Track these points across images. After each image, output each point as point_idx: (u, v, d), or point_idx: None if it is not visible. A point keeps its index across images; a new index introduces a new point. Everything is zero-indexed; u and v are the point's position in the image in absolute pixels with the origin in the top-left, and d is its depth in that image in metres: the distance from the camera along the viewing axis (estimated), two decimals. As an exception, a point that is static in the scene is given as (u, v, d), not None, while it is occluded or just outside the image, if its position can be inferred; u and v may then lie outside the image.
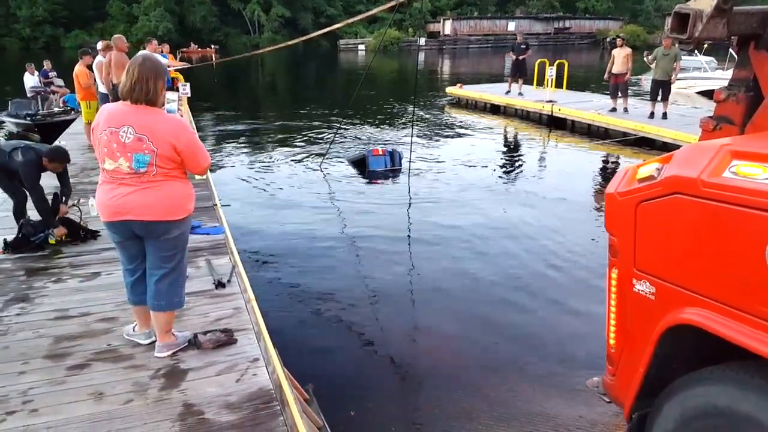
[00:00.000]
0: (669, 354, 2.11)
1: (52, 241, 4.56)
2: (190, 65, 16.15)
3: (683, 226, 1.95)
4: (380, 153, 9.91)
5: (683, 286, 1.98)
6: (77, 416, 2.58)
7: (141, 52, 3.40)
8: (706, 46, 19.47)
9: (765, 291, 1.70)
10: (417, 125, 11.64)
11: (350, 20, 11.85)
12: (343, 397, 3.83)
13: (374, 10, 9.42)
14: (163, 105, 2.97)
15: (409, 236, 6.94)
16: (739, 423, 1.83)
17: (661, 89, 11.84)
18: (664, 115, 11.97)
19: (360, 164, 9.97)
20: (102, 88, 8.58)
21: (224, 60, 28.13)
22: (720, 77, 17.64)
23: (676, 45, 11.06)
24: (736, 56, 2.60)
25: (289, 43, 9.58)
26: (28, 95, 13.54)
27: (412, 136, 9.89)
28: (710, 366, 2.01)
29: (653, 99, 12.08)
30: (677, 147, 2.28)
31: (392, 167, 9.83)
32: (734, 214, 1.77)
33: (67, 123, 11.55)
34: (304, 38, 9.72)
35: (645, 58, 12.20)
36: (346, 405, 3.73)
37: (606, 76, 12.85)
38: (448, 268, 5.96)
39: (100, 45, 9.28)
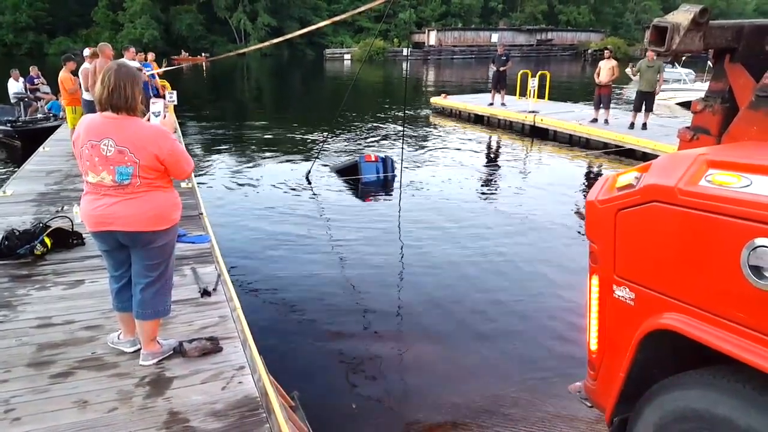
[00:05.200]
0: (649, 359, 2.15)
1: (37, 252, 4.51)
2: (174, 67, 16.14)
3: (661, 234, 2.00)
4: (372, 159, 9.78)
5: (662, 292, 2.03)
6: (61, 425, 2.55)
7: (116, 60, 3.34)
8: (684, 58, 19.90)
9: (740, 296, 1.75)
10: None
11: (336, 18, 12.62)
12: (329, 405, 3.84)
13: (361, 8, 9.54)
14: (144, 114, 2.94)
15: (398, 245, 6.96)
16: (716, 426, 1.87)
17: (646, 100, 12.04)
18: (644, 126, 12.17)
19: (350, 171, 9.85)
20: (86, 95, 8.51)
21: (216, 58, 28.92)
22: (699, 89, 18.03)
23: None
24: (714, 68, 2.68)
25: (275, 41, 9.67)
26: (12, 101, 13.38)
27: (402, 149, 9.82)
28: (689, 370, 2.05)
29: (637, 110, 12.26)
30: (656, 157, 2.34)
31: (385, 173, 9.75)
32: (710, 222, 1.82)
33: (50, 129, 11.39)
34: (292, 35, 9.67)
35: (628, 70, 12.38)
36: (331, 412, 3.74)
37: (602, 85, 12.74)
38: (434, 276, 6.00)
39: (87, 52, 9.21)
